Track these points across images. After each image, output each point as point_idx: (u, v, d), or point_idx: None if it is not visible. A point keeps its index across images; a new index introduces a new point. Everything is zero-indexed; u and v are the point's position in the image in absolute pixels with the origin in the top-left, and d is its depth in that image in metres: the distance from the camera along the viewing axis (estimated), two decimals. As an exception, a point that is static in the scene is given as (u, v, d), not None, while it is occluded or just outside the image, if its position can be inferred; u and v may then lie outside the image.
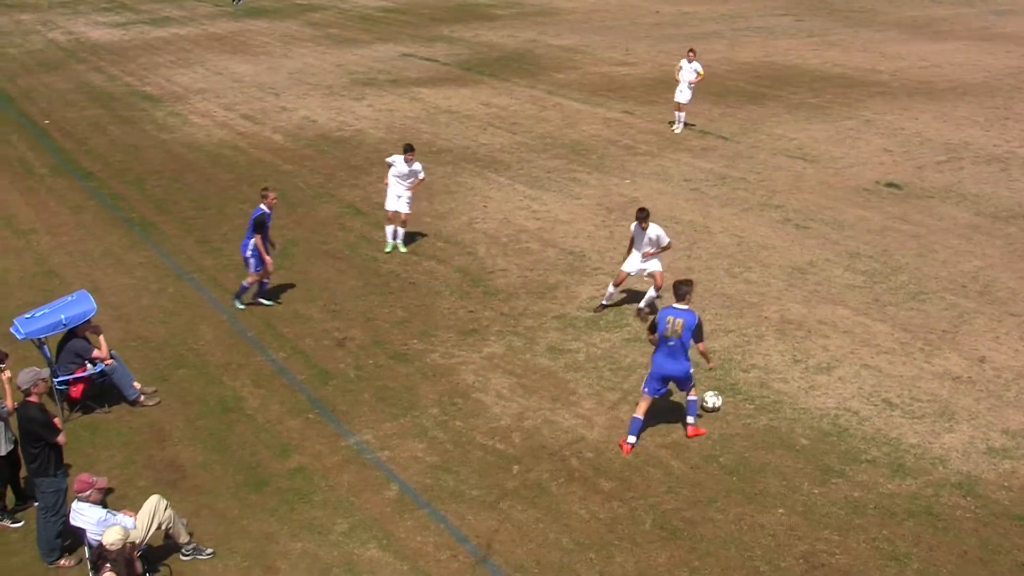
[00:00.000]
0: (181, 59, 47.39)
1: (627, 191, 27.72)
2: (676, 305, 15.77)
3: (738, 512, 14.51)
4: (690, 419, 16.31)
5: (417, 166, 23.45)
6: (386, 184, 23.72)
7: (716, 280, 21.81)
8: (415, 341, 19.49)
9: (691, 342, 15.68)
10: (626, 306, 20.78)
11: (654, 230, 19.57)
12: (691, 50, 34.43)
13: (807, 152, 31.51)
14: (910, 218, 25.74)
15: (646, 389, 15.99)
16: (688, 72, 33.55)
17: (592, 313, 20.45)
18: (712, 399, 16.86)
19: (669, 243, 19.81)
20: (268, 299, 21.16)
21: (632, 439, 16.00)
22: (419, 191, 24.70)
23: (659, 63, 45.75)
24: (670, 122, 34.31)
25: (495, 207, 26.66)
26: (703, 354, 16.06)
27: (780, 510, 14.54)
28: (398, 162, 23.37)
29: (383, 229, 24.36)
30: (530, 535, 14.15)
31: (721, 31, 54.55)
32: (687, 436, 16.21)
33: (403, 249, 23.75)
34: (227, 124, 35.49)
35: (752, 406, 17.08)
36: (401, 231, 23.89)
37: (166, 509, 13.49)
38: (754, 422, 16.62)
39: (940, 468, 15.44)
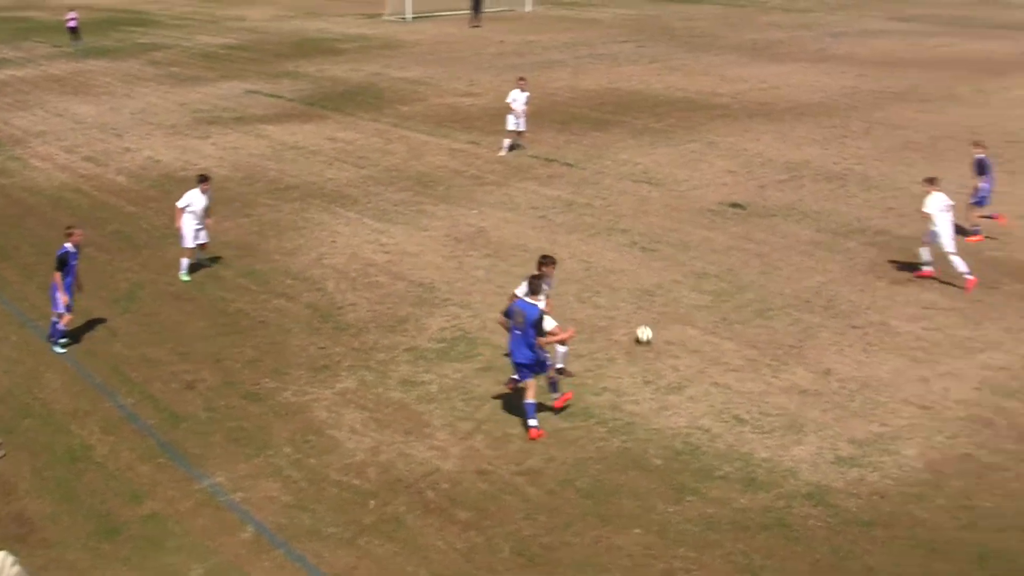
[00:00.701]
0: (19, 101, 46.50)
1: (475, 221, 28.00)
2: (526, 298, 16.82)
3: (595, 535, 14.77)
4: (555, 395, 17.60)
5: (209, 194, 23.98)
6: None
7: (565, 306, 22.13)
8: (267, 380, 19.43)
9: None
10: (477, 336, 20.98)
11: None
12: (521, 78, 34.93)
13: (652, 176, 32.20)
14: (754, 237, 26.49)
15: (517, 376, 17.24)
16: (519, 103, 33.99)
17: (443, 344, 20.61)
18: (644, 332, 19.18)
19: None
20: (61, 343, 20.85)
21: (534, 422, 16.95)
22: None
23: (503, 93, 45.93)
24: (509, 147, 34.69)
25: (344, 242, 26.71)
26: (541, 347, 16.92)
27: (636, 530, 14.84)
28: (195, 196, 23.59)
29: (232, 267, 24.28)
30: (389, 569, 14.22)
31: (565, 59, 55.36)
32: (555, 407, 17.43)
33: (186, 278, 24.17)
34: (69, 167, 34.96)
35: (605, 429, 17.40)
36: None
37: (13, 565, 13.22)
38: (607, 445, 16.95)
39: (791, 480, 15.93)
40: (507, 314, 17.27)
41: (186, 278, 24.25)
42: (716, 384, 18.81)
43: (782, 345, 20.39)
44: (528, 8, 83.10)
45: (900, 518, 15.00)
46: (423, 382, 19.21)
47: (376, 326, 21.64)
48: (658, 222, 27.73)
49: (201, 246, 24.54)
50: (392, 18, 78.03)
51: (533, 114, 39.97)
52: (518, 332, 16.81)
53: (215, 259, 25.36)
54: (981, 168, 26.64)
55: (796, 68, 51.57)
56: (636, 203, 29.47)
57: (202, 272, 24.78)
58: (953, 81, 48.96)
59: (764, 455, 16.57)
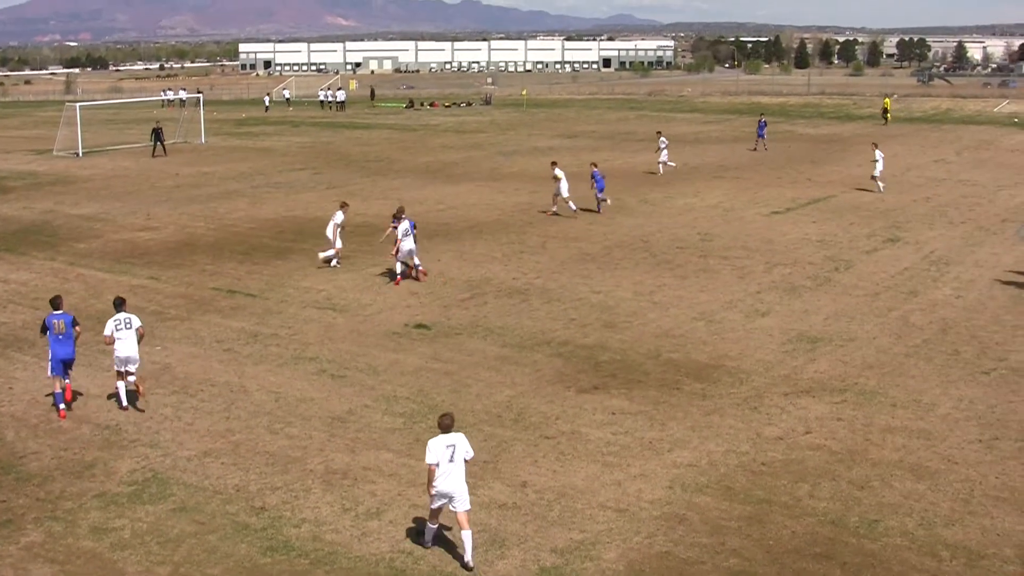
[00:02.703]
0: None
1: (159, 358, 27.12)
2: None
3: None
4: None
5: None
6: None
7: (257, 439, 21.60)
8: (-66, 545, 18.07)
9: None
10: (169, 476, 20.19)
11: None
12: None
13: (336, 302, 32.08)
14: (442, 356, 26.65)
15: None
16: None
17: (133, 487, 19.72)
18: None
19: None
20: None
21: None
22: None
23: (182, 224, 45.48)
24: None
25: (22, 388, 25.32)
26: None
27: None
28: None
29: None
30: None
31: (242, 189, 54.98)
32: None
33: None
34: None
35: (307, 561, 16.93)
36: None
37: None
38: (309, 579, 16.49)
39: (494, 597, 15.83)
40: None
41: None
42: (415, 505, 18.63)
43: (477, 461, 20.38)
44: (202, 140, 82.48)
45: (605, 624, 15.11)
46: (115, 528, 18.28)
47: (62, 473, 20.53)
48: (346, 348, 27.57)
49: None
50: (63, 153, 75.94)
51: (213, 245, 39.43)
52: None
53: None
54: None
55: (471, 187, 52.84)
56: (322, 330, 29.26)
57: None
58: (620, 192, 51.16)
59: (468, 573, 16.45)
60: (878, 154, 52.61)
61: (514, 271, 35.50)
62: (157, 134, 73.67)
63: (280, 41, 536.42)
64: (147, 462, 20.77)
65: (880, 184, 52.23)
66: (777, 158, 64.98)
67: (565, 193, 45.60)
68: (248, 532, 17.43)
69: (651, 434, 21.58)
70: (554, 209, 46.26)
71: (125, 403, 23.63)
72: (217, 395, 24.11)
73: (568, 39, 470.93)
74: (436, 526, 17.31)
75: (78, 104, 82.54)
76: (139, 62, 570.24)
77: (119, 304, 24.07)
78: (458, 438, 17.04)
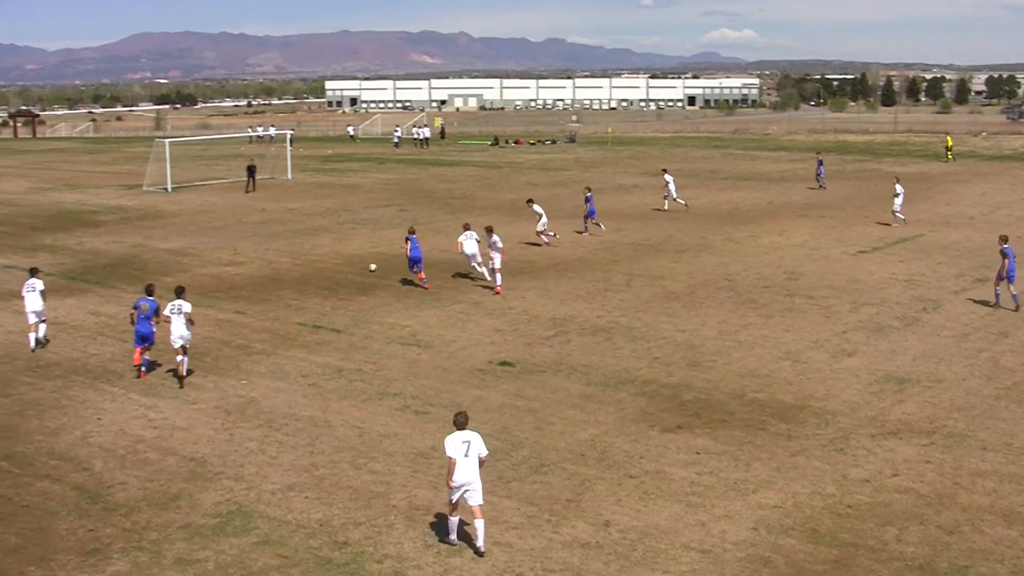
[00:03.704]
0: None
1: (244, 391, 27.45)
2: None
3: None
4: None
5: None
6: None
7: (341, 473, 21.76)
8: (32, 568, 18.36)
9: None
10: (253, 509, 20.37)
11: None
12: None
13: (420, 338, 32.26)
14: (525, 394, 26.68)
15: None
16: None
17: (218, 519, 19.92)
18: None
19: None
20: None
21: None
22: None
23: (268, 260, 46.06)
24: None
25: (110, 419, 25.75)
26: None
27: None
28: None
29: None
30: None
31: (327, 225, 55.55)
32: None
33: None
34: None
35: (388, 598, 17.00)
36: None
37: None
38: (391, 615, 16.53)
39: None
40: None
41: None
42: (498, 543, 18.64)
43: (560, 500, 20.42)
44: (289, 176, 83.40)
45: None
46: (199, 560, 18.48)
47: (148, 504, 20.81)
48: (430, 384, 27.70)
49: None
50: (152, 189, 77.28)
51: (299, 280, 39.90)
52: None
53: None
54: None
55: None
56: (406, 366, 29.42)
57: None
58: (705, 231, 51.05)
59: (550, 613, 16.42)
60: (898, 188, 53.43)
61: (598, 309, 35.49)
62: (251, 171, 74.91)
63: (366, 78, 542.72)
64: (231, 495, 20.99)
65: (900, 216, 53.20)
66: (863, 196, 64.40)
67: (540, 227, 47.82)
68: (331, 567, 17.55)
69: (736, 474, 21.42)
70: (545, 240, 48.42)
71: (183, 375, 28.44)
72: (301, 429, 24.33)
73: (653, 77, 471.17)
74: (457, 519, 18.50)
75: (167, 140, 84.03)
76: (227, 99, 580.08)
77: (179, 292, 29.25)
78: (473, 435, 18.45)
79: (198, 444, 23.87)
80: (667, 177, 61.19)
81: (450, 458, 18.16)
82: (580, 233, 51.82)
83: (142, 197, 73.51)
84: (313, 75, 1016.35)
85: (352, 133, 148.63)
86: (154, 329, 29.07)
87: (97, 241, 53.00)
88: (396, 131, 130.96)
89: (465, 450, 18.21)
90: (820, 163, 72.43)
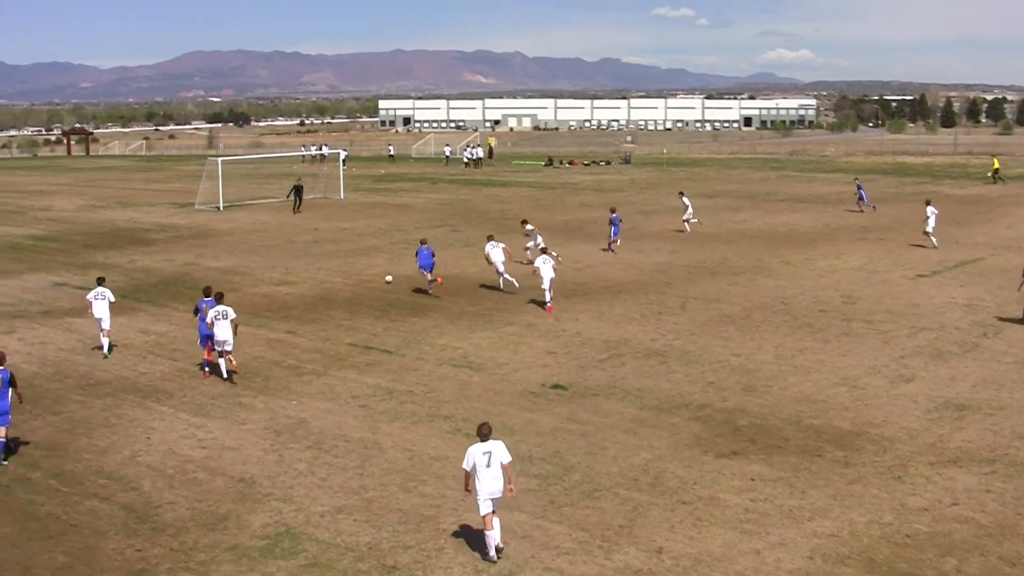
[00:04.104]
0: None
1: (294, 412, 27.56)
2: None
3: None
4: None
5: None
6: None
7: (390, 496, 21.79)
8: (76, 591, 18.52)
9: None
10: (302, 531, 20.43)
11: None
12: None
13: (472, 360, 32.28)
14: (578, 417, 26.61)
15: None
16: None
17: (266, 541, 19.99)
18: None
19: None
20: None
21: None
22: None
23: (319, 280, 46.32)
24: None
25: (159, 438, 25.93)
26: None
27: None
28: None
29: (41, 468, 23.38)
30: None
31: (380, 245, 55.81)
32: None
33: None
34: None
35: (438, 623, 16.97)
36: None
37: None
38: (441, 640, 16.49)
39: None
40: None
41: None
42: (548, 569, 18.58)
43: (612, 526, 20.33)
44: (342, 196, 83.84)
45: None
46: (245, 583, 18.55)
47: (196, 525, 20.92)
48: (481, 407, 27.68)
49: None
50: (204, 207, 77.94)
51: (350, 300, 40.06)
52: None
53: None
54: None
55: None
56: (458, 388, 29.44)
57: (9, 475, 23.70)
58: (761, 253, 50.84)
59: (601, 641, 16.34)
60: (930, 211, 53.56)
61: (652, 332, 35.38)
62: (298, 191, 75.26)
63: (420, 98, 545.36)
64: (280, 516, 21.06)
65: (933, 240, 53.17)
66: (921, 219, 63.82)
67: (530, 244, 48.61)
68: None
69: (791, 502, 21.24)
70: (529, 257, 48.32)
71: (226, 376, 30.62)
72: (351, 451, 24.39)
73: (708, 97, 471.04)
74: (493, 531, 18.82)
75: (220, 158, 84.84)
76: (280, 118, 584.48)
77: (219, 297, 31.50)
78: (495, 445, 19.02)
79: (247, 465, 23.98)
80: (685, 200, 61.75)
81: (465, 470, 19.06)
82: (604, 251, 53.58)
83: (194, 215, 74.18)
84: (366, 94, 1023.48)
85: (391, 153, 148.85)
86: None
87: (148, 259, 53.51)
88: (446, 149, 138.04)
89: (487, 460, 18.84)
90: (860, 187, 71.72)
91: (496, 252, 42.92)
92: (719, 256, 50.61)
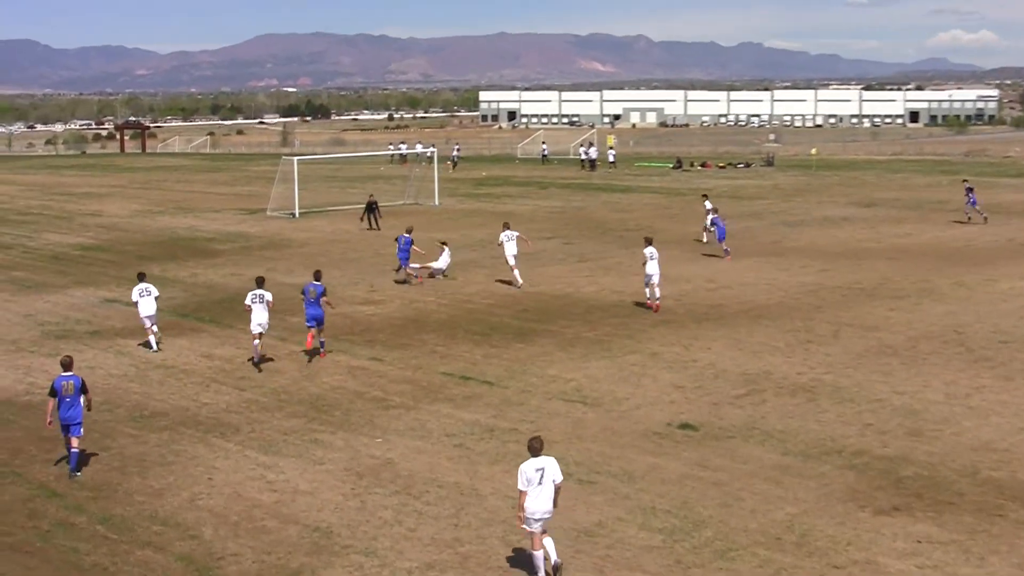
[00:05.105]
0: None
1: (379, 452, 27.77)
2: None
3: None
4: None
5: None
6: None
7: (489, 551, 21.87)
8: (125, 655, 18.82)
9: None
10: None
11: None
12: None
13: (586, 394, 32.29)
14: (710, 463, 26.48)
15: None
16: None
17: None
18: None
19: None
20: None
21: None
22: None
23: (409, 298, 46.65)
24: None
25: (222, 479, 26.28)
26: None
27: None
28: None
29: (86, 512, 23.81)
30: None
31: (479, 259, 56.13)
32: None
33: None
34: None
35: None
36: None
37: None
38: None
39: None
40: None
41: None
42: (674, 642, 18.52)
43: (751, 592, 20.21)
44: (436, 202, 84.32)
45: None
46: (320, 649, 18.73)
47: (262, 582, 21.19)
48: (596, 448, 27.67)
49: None
50: (277, 214, 78.98)
51: (445, 323, 40.31)
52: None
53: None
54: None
55: (748, 263, 52.59)
56: (569, 426, 29.45)
57: (48, 519, 24.19)
58: (929, 273, 50.24)
59: None
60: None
61: (799, 364, 35.11)
62: (371, 209, 73.12)
63: (527, 89, 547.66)
64: (361, 572, 21.22)
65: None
66: None
67: (510, 257, 49.80)
68: None
69: (966, 570, 20.93)
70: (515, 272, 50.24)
71: (257, 360, 36.27)
72: (445, 498, 24.48)
73: (867, 88, 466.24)
74: (541, 551, 20.07)
75: (295, 158, 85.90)
76: (365, 111, 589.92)
77: (260, 282, 37.50)
78: (548, 461, 20.40)
79: (324, 512, 24.19)
80: (708, 204, 62.37)
81: (521, 491, 20.23)
82: (706, 252, 57.49)
83: (265, 223, 75.21)
84: (465, 85, 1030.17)
85: (456, 153, 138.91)
86: (323, 312, 37.19)
87: (213, 273, 54.30)
88: (543, 147, 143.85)
89: (539, 478, 20.11)
90: (969, 190, 70.33)
91: (510, 245, 48.89)
92: (878, 276, 50.07)
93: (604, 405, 31.32)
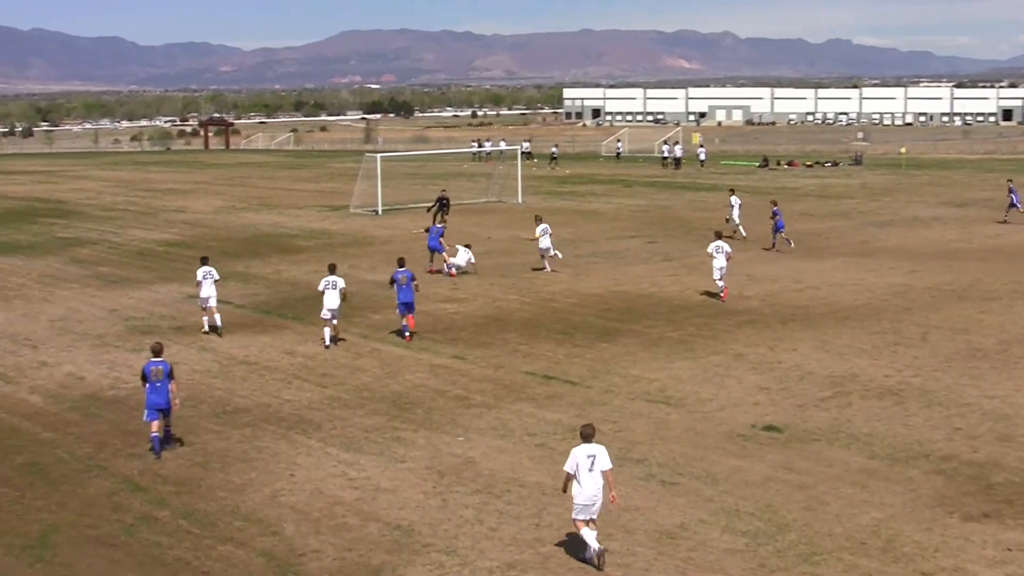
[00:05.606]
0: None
1: (461, 451, 27.84)
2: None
3: None
4: None
5: None
6: None
7: (572, 552, 21.83)
8: (207, 649, 18.99)
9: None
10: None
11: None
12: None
13: (670, 395, 32.22)
14: (794, 466, 26.34)
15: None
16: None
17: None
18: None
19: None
20: None
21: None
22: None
23: (492, 297, 46.68)
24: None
25: (304, 476, 26.45)
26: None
27: None
28: None
29: (170, 507, 24.06)
30: None
31: (565, 259, 55.82)
32: None
33: None
34: (-33, 386, 34.85)
35: None
36: None
37: None
38: None
39: None
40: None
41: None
42: (757, 646, 18.46)
43: (835, 597, 20.10)
44: (519, 200, 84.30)
45: None
46: (401, 647, 18.83)
47: (343, 579, 21.30)
48: (679, 449, 27.61)
49: None
50: (360, 211, 79.30)
51: (528, 322, 40.33)
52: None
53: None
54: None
55: (836, 264, 52.24)
56: (652, 427, 29.41)
57: (133, 513, 24.43)
58: (1022, 275, 49.58)
59: None
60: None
61: (886, 367, 34.83)
62: (442, 203, 72.65)
63: (611, 86, 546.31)
64: (442, 571, 21.28)
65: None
66: None
67: (543, 246, 53.28)
68: None
69: (1056, 578, 20.71)
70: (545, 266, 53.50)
71: (328, 343, 38.64)
72: (526, 497, 24.50)
73: (958, 86, 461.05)
74: (594, 532, 21.05)
75: (378, 155, 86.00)
76: (448, 108, 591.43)
77: (332, 269, 39.76)
78: (598, 448, 21.13)
79: (405, 510, 24.28)
80: (733, 199, 64.28)
81: (567, 473, 21.04)
82: (768, 250, 58.68)
83: (348, 220, 75.58)
84: (549, 82, 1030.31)
85: (526, 148, 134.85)
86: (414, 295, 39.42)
87: (296, 270, 54.63)
88: (618, 145, 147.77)
89: (590, 464, 20.84)
90: (1012, 189, 69.02)
91: (545, 239, 52.58)
92: (969, 277, 49.54)
93: (688, 406, 31.24)
